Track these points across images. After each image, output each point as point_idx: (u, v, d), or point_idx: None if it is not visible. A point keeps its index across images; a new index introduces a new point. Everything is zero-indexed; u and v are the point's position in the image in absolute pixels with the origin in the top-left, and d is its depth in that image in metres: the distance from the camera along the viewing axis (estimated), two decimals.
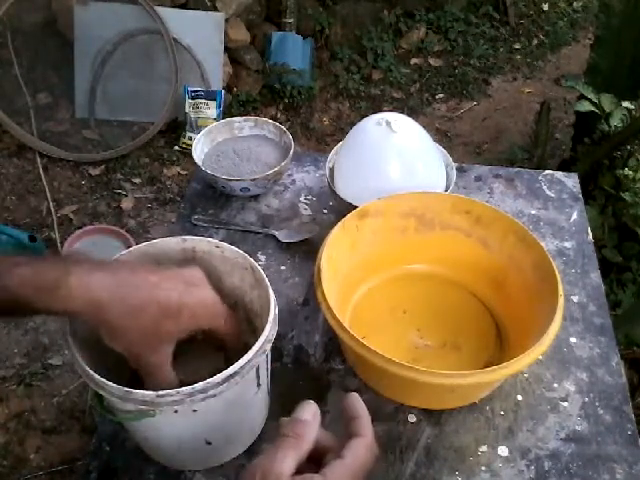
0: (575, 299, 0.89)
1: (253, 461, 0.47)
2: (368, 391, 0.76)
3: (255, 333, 0.64)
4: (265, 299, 0.65)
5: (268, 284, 0.66)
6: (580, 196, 1.06)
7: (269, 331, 0.62)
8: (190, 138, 2.44)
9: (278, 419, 0.52)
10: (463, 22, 3.25)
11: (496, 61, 3.17)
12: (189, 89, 2.45)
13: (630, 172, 1.70)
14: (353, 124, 0.97)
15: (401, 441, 0.73)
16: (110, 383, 0.57)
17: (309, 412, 0.50)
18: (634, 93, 1.91)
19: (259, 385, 0.65)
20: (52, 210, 2.21)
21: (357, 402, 0.52)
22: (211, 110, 2.45)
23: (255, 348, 0.60)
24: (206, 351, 0.69)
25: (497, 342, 0.81)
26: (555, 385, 0.79)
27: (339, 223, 0.80)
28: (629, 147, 1.80)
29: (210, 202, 1.03)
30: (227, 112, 2.50)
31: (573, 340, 0.83)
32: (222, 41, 2.52)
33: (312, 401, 0.51)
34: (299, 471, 0.47)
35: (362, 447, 0.49)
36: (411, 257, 0.88)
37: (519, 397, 0.77)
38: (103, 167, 2.40)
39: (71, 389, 1.70)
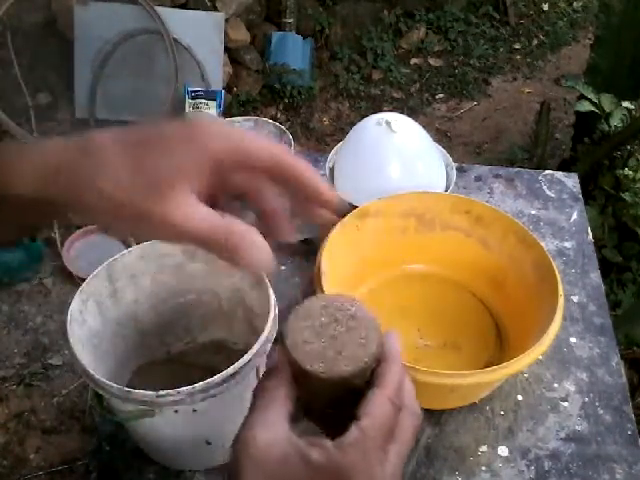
0: (575, 299, 0.89)
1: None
2: None
3: (255, 333, 0.64)
4: (265, 299, 0.65)
5: (268, 284, 0.66)
6: (580, 196, 1.06)
7: (269, 331, 0.62)
8: None
9: None
10: (463, 22, 3.25)
11: (496, 61, 3.17)
12: (189, 89, 2.45)
13: (630, 172, 1.70)
14: (353, 124, 0.97)
15: None
16: (110, 383, 0.57)
17: (274, 362, 0.43)
18: (634, 93, 1.91)
19: None
20: None
21: (391, 345, 0.42)
22: (211, 110, 2.45)
23: (255, 348, 0.60)
24: None
25: (497, 342, 0.81)
26: (555, 385, 0.79)
27: (339, 223, 0.80)
28: (629, 147, 1.80)
29: None
30: (227, 112, 2.50)
31: (573, 340, 0.83)
32: (222, 41, 2.52)
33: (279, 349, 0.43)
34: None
35: (380, 400, 0.39)
36: (411, 257, 0.88)
37: (519, 397, 0.77)
38: None
39: (71, 389, 1.70)
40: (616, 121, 1.83)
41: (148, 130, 0.39)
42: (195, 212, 0.38)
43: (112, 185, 0.36)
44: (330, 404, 0.43)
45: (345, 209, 0.39)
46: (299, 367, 0.40)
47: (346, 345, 0.41)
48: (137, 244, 0.70)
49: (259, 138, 0.41)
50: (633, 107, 1.84)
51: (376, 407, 0.39)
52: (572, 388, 0.78)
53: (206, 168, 0.39)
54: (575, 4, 3.54)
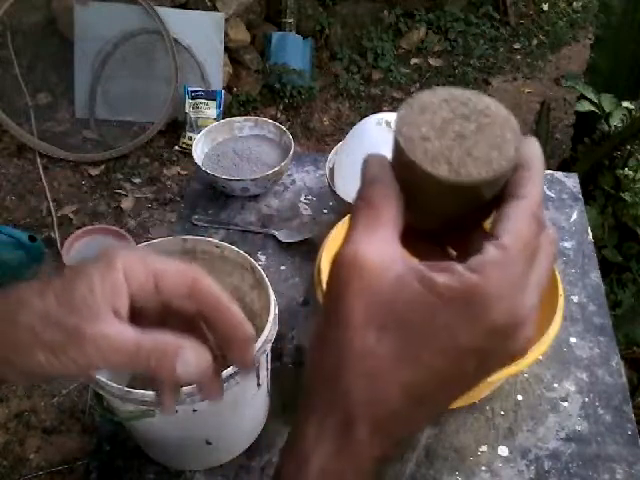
0: (575, 299, 0.89)
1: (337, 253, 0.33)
2: None
3: (255, 333, 0.64)
4: (265, 299, 0.65)
5: (268, 284, 0.66)
6: (580, 196, 1.06)
7: (269, 331, 0.62)
8: (190, 138, 2.44)
9: (278, 419, 0.51)
10: (463, 22, 3.25)
11: (496, 61, 3.17)
12: (189, 89, 2.45)
13: (630, 172, 1.70)
14: (353, 124, 0.97)
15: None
16: (110, 383, 0.57)
17: (373, 169, 0.34)
18: (634, 93, 1.91)
19: (259, 385, 0.65)
20: (52, 210, 2.21)
21: (528, 150, 0.33)
22: (211, 110, 2.45)
23: (255, 348, 0.60)
24: None
25: None
26: (555, 385, 0.79)
27: (339, 223, 0.80)
28: (629, 147, 1.80)
29: (210, 202, 1.03)
30: (227, 112, 2.50)
31: (573, 340, 0.83)
32: (222, 41, 2.52)
33: (376, 153, 0.35)
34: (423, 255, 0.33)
35: (522, 213, 0.31)
36: None
37: (519, 397, 0.77)
38: (103, 167, 2.40)
39: (71, 389, 1.70)
40: (616, 121, 1.83)
41: (67, 272, 0.40)
42: (119, 332, 0.38)
43: (36, 318, 0.38)
44: (445, 223, 0.35)
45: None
46: (415, 169, 0.31)
47: (477, 145, 0.32)
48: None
49: (175, 268, 0.41)
50: (633, 107, 1.84)
51: (519, 223, 0.31)
52: (572, 388, 0.78)
53: (125, 296, 0.39)
54: (575, 4, 3.54)
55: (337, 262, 0.32)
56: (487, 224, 0.34)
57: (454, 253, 0.36)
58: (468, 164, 0.31)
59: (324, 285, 0.72)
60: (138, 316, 0.40)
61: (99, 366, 0.40)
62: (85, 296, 0.38)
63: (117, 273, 0.39)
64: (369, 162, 0.35)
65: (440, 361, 0.30)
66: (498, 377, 0.67)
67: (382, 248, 0.32)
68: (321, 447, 0.32)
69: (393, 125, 0.34)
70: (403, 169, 0.33)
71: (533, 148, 0.33)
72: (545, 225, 0.32)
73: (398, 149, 0.33)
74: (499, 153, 0.32)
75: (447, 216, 0.34)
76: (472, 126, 0.33)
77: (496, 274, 0.30)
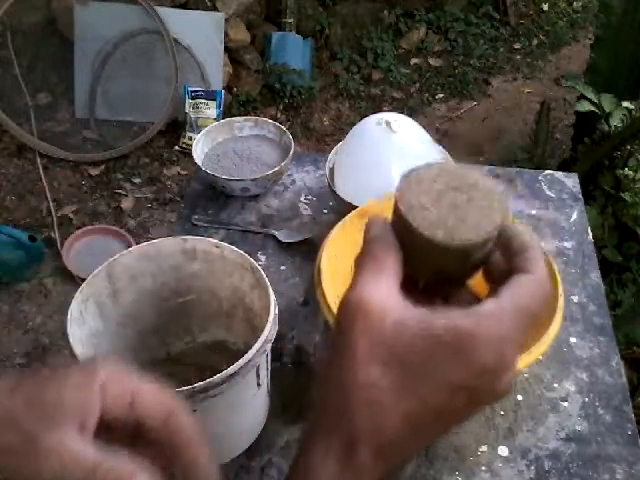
0: (575, 299, 0.88)
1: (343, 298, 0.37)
2: None
3: (255, 333, 0.64)
4: (265, 299, 0.65)
5: (268, 284, 0.66)
6: (580, 196, 1.05)
7: (269, 331, 0.62)
8: (190, 138, 2.44)
9: (278, 419, 0.51)
10: (463, 22, 3.25)
11: (496, 61, 3.17)
12: (189, 89, 2.45)
13: (630, 172, 1.70)
14: (353, 124, 0.97)
15: None
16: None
17: (376, 228, 0.40)
18: (634, 93, 1.91)
19: (259, 385, 0.65)
20: (52, 210, 2.21)
21: (522, 232, 0.39)
22: (211, 110, 2.45)
23: (255, 348, 0.60)
24: None
25: None
26: (555, 385, 0.78)
27: (339, 223, 0.80)
28: (629, 147, 1.80)
29: (210, 202, 1.03)
30: (227, 112, 2.50)
31: (573, 340, 0.83)
32: (222, 41, 2.52)
33: (377, 216, 0.40)
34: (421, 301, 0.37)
35: (528, 284, 0.36)
36: None
37: (519, 397, 0.77)
38: (103, 167, 2.40)
39: None
40: (616, 121, 1.83)
41: (45, 372, 0.39)
42: (79, 449, 0.36)
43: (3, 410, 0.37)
44: (436, 277, 0.40)
45: None
46: (415, 233, 0.37)
47: (468, 214, 0.37)
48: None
49: (156, 393, 0.39)
50: (633, 107, 1.84)
51: (521, 290, 0.36)
52: (572, 388, 0.78)
53: (96, 410, 0.38)
54: (575, 4, 3.54)
55: (345, 304, 0.37)
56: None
57: (441, 302, 0.41)
58: (461, 230, 0.37)
59: (324, 285, 0.72)
60: (108, 427, 0.39)
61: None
62: (54, 405, 0.37)
63: (94, 386, 0.38)
64: (372, 222, 0.40)
65: (435, 396, 0.35)
66: None
67: (385, 294, 0.36)
68: (328, 465, 0.35)
69: (394, 194, 0.39)
70: (403, 231, 0.38)
71: (524, 231, 0.39)
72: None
73: (399, 215, 0.38)
74: (487, 221, 0.37)
75: (439, 271, 0.40)
76: (464, 197, 0.38)
77: (488, 324, 0.34)
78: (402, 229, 0.38)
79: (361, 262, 0.38)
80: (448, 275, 0.40)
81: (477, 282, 0.84)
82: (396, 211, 0.38)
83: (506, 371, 0.35)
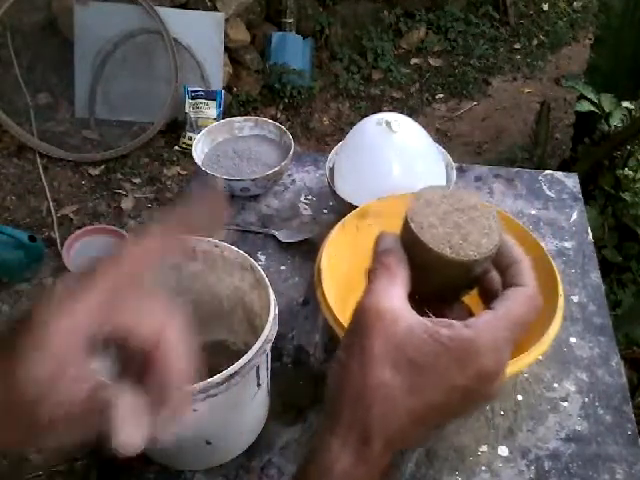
0: (575, 299, 0.88)
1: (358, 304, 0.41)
2: None
3: (255, 333, 0.64)
4: (265, 299, 0.65)
5: (268, 284, 0.66)
6: (580, 196, 1.05)
7: (269, 331, 0.62)
8: (190, 138, 2.44)
9: (278, 419, 0.51)
10: (463, 22, 3.25)
11: (496, 61, 3.17)
12: (189, 89, 2.45)
13: (630, 172, 1.70)
14: (353, 124, 0.97)
15: None
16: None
17: (388, 242, 0.44)
18: (634, 93, 1.91)
19: (259, 385, 0.65)
20: (52, 210, 2.21)
21: (514, 248, 0.44)
22: (211, 110, 2.45)
23: (255, 348, 0.60)
24: None
25: None
26: (555, 385, 0.78)
27: (339, 223, 0.80)
28: (629, 147, 1.80)
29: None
30: (227, 112, 2.50)
31: (573, 340, 0.83)
32: (222, 41, 2.52)
33: (387, 232, 0.46)
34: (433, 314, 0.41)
35: (521, 297, 0.41)
36: None
37: (519, 397, 0.77)
38: (103, 167, 2.40)
39: None
40: (616, 121, 1.83)
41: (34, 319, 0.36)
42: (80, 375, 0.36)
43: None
44: (438, 293, 0.45)
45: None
46: (424, 248, 0.42)
47: (470, 233, 0.43)
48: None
49: (147, 316, 0.38)
50: (633, 107, 1.84)
51: (515, 303, 0.41)
52: (572, 388, 0.78)
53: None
54: (575, 4, 3.54)
55: (360, 310, 0.41)
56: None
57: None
58: (465, 247, 0.42)
59: (324, 285, 0.72)
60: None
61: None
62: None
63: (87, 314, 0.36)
64: (384, 236, 0.45)
65: (438, 395, 0.39)
66: None
67: (397, 302, 0.40)
68: (344, 457, 0.39)
69: (406, 214, 0.44)
70: (413, 247, 0.43)
71: (514, 245, 0.44)
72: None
73: (410, 232, 0.43)
74: (487, 239, 0.43)
75: (441, 284, 0.45)
76: (466, 217, 0.44)
77: (486, 334, 0.39)
78: (412, 245, 0.43)
79: (375, 272, 0.43)
80: (449, 287, 0.46)
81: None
82: (407, 229, 0.43)
83: (499, 375, 0.41)
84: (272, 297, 0.64)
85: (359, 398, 0.40)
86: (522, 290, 0.41)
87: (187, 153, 2.38)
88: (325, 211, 1.02)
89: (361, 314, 0.41)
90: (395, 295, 0.41)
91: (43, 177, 2.33)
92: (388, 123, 0.90)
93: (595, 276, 0.92)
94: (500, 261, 0.43)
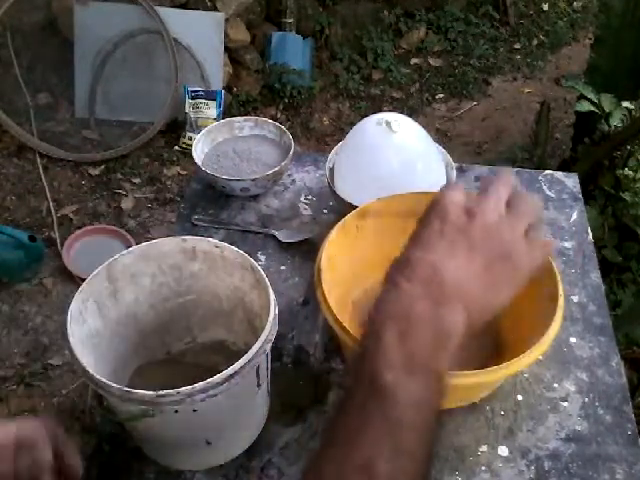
0: (575, 299, 0.89)
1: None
2: None
3: (255, 333, 0.64)
4: (265, 299, 0.65)
5: (268, 284, 0.66)
6: (580, 196, 1.05)
7: (269, 331, 0.62)
8: (190, 138, 2.43)
9: (278, 419, 0.51)
10: (463, 22, 3.25)
11: (496, 61, 3.17)
12: (189, 89, 2.45)
13: (630, 172, 1.70)
14: (353, 124, 0.97)
15: None
16: (110, 383, 0.57)
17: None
18: (634, 93, 1.91)
19: (259, 385, 0.65)
20: (52, 210, 2.21)
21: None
22: (211, 110, 2.45)
23: (255, 348, 0.60)
24: None
25: (496, 342, 0.81)
26: (555, 385, 0.79)
27: (339, 223, 0.80)
28: (629, 147, 1.80)
29: (210, 202, 1.03)
30: (227, 112, 2.50)
31: (573, 340, 0.83)
32: (222, 41, 2.52)
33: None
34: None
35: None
36: None
37: (519, 397, 0.77)
38: (103, 167, 2.40)
39: (71, 389, 1.70)
40: (616, 121, 1.83)
41: None
42: None
43: None
44: None
45: None
46: None
47: None
48: None
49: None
50: (633, 107, 1.84)
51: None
52: (572, 388, 0.78)
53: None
54: (575, 4, 3.54)
55: (433, 203, 0.52)
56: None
57: None
58: None
59: (324, 285, 0.72)
60: None
61: None
62: None
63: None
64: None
65: (498, 264, 0.50)
66: (498, 377, 0.67)
67: (457, 197, 0.52)
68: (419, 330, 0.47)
69: None
70: None
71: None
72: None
73: None
74: None
75: None
76: None
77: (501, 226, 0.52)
78: None
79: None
80: None
81: None
82: None
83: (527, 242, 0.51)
84: (272, 297, 0.64)
85: (435, 270, 0.48)
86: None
87: (187, 153, 2.38)
88: (325, 211, 1.02)
89: (433, 206, 0.52)
90: (457, 190, 0.53)
91: (43, 177, 2.33)
92: (388, 123, 0.90)
93: (595, 276, 0.92)
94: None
